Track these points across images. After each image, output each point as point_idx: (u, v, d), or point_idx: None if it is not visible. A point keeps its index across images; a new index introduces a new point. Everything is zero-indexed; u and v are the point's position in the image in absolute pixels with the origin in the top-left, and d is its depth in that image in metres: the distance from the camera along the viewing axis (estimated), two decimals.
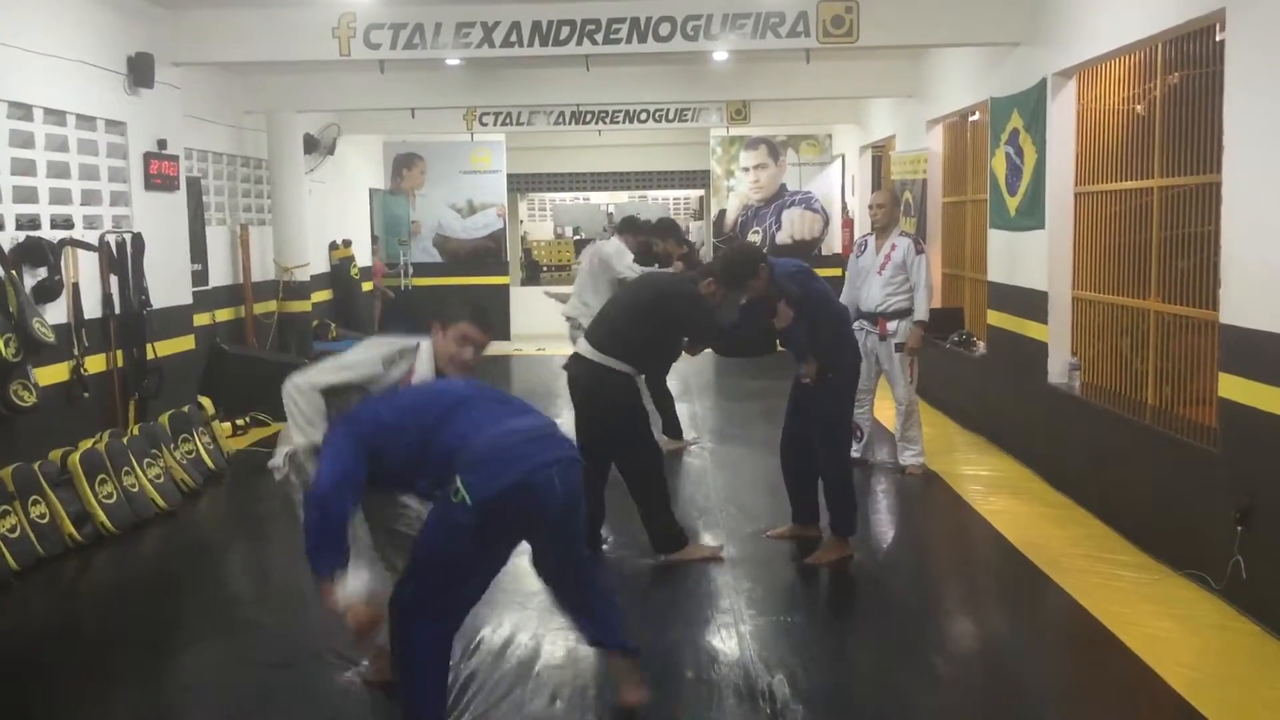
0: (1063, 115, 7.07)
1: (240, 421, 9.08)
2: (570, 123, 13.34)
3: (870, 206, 7.73)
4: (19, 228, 6.50)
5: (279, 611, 5.15)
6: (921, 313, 7.27)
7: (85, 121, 7.29)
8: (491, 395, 3.70)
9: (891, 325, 7.32)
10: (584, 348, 5.66)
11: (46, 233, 6.73)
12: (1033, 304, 7.43)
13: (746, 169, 15.35)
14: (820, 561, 5.63)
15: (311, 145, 12.29)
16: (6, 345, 5.90)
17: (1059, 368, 7.14)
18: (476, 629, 4.74)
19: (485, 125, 13.64)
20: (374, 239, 15.07)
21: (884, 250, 7.37)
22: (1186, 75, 5.73)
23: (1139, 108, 6.31)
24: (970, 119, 9.37)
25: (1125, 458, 6.02)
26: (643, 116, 13.27)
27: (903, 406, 7.41)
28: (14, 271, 6.24)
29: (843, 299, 7.59)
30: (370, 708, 4.12)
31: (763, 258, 5.57)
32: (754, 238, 15.25)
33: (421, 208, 15.43)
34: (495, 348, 14.71)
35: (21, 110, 6.61)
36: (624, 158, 17.70)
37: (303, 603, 5.16)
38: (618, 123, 13.32)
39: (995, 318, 8.21)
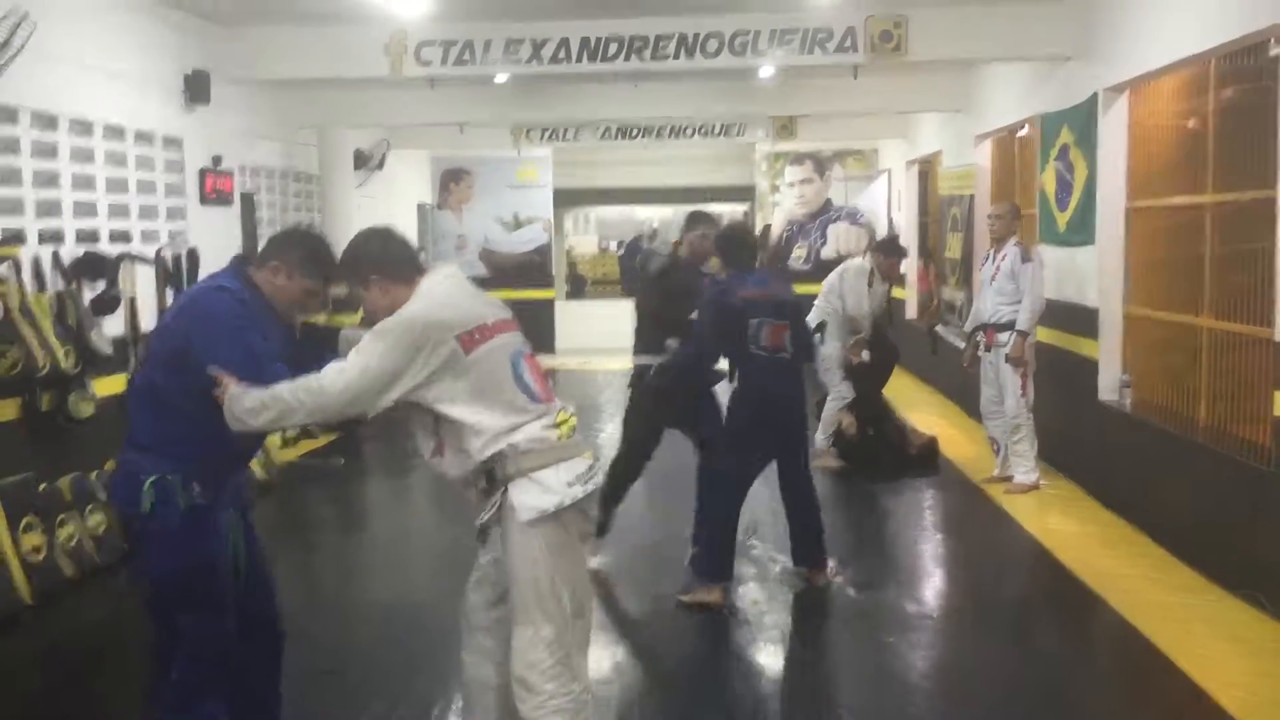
0: (1114, 130, 7.01)
1: (289, 433, 9.19)
2: (617, 138, 13.40)
3: (989, 217, 7.75)
4: (78, 241, 6.64)
5: (327, 620, 5.19)
6: (1023, 323, 7.14)
7: (143, 137, 7.44)
8: None
9: (1002, 336, 7.27)
10: None
11: (105, 247, 6.87)
12: (1083, 320, 7.36)
13: (792, 184, 15.34)
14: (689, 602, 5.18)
15: (361, 160, 12.43)
16: (66, 357, 6.02)
17: (1110, 384, 7.06)
18: None
19: (532, 140, 13.73)
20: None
21: (997, 260, 7.40)
22: (1240, 90, 5.66)
23: (1192, 123, 6.25)
24: (1019, 134, 9.31)
25: (1177, 476, 5.94)
26: (689, 131, 13.30)
27: (1010, 419, 7.30)
28: (73, 285, 6.38)
29: (971, 312, 7.80)
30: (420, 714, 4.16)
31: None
32: (799, 253, 15.24)
33: (468, 222, 15.56)
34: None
35: (82, 126, 6.75)
36: (669, 172, 17.71)
37: (352, 611, 5.22)
38: (664, 137, 13.36)
39: (1045, 334, 8.11)
